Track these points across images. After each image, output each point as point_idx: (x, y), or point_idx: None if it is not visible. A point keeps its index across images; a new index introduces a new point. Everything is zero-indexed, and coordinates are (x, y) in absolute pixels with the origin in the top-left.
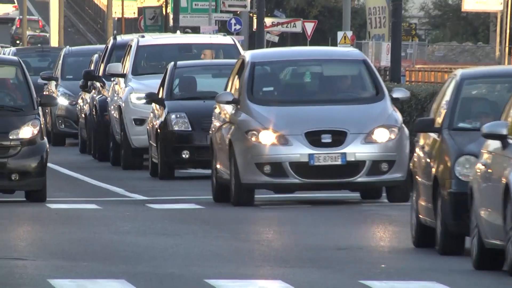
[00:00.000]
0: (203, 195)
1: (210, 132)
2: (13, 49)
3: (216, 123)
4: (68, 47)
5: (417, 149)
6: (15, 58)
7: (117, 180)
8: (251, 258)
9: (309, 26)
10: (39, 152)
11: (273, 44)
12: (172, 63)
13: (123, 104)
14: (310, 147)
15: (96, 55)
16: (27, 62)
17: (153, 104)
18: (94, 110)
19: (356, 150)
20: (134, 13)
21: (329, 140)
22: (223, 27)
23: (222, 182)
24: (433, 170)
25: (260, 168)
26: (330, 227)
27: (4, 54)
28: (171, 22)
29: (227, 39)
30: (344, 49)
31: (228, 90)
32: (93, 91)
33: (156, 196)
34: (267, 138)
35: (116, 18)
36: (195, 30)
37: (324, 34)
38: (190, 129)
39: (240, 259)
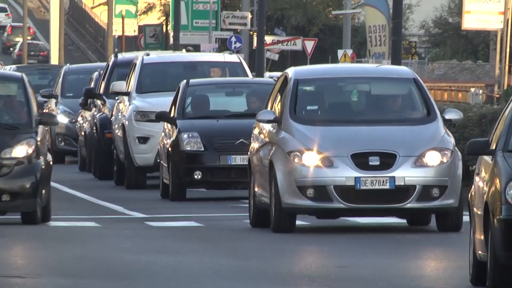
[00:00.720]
0: (204, 213)
1: (249, 153)
2: (13, 66)
3: (255, 144)
4: (68, 65)
5: (475, 178)
6: (19, 74)
7: (118, 198)
8: (250, 277)
9: (309, 44)
10: (33, 172)
11: (273, 62)
12: (185, 81)
13: (127, 122)
14: (357, 170)
15: (96, 73)
16: None
17: (165, 123)
18: (94, 128)
19: (405, 174)
20: (134, 31)
21: (377, 163)
22: (223, 45)
23: (261, 207)
24: (485, 196)
25: (302, 191)
26: (332, 246)
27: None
28: (171, 40)
29: (233, 57)
30: (393, 67)
31: (269, 108)
32: (94, 109)
33: (156, 214)
34: (310, 159)
35: (116, 36)
36: (196, 48)
37: (324, 52)
38: (202, 149)
39: (240, 277)
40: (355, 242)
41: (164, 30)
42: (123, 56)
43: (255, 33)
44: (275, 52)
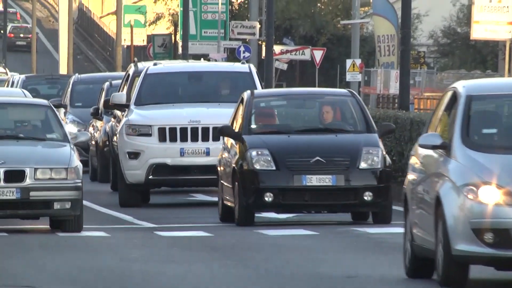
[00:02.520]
0: (212, 222)
1: (404, 186)
2: (22, 76)
3: (412, 175)
4: (77, 74)
5: None
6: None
7: (127, 208)
8: (259, 286)
9: (318, 54)
10: None
11: (282, 72)
12: (249, 91)
13: (118, 136)
14: None
15: (107, 83)
16: (36, 90)
17: (225, 139)
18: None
19: None
20: (143, 40)
21: None
22: (232, 55)
23: (422, 253)
24: None
25: (479, 235)
26: (340, 255)
27: (13, 81)
28: (180, 50)
29: (242, 67)
30: None
31: (431, 130)
32: (113, 120)
33: (164, 224)
34: (489, 195)
35: (125, 46)
36: (204, 58)
37: (332, 61)
38: (274, 168)
39: (248, 287)
40: (364, 252)
41: (173, 39)
42: (143, 65)
43: (263, 43)
44: (283, 62)
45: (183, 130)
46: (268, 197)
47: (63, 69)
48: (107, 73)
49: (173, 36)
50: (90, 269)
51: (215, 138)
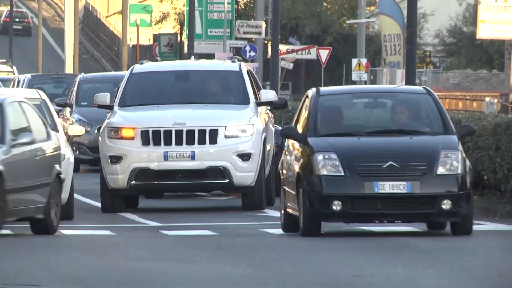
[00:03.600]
0: (218, 221)
1: None
2: (28, 76)
3: None
4: (83, 73)
5: None
6: None
7: (132, 207)
8: (265, 285)
9: (324, 53)
10: None
11: (288, 71)
12: (314, 89)
13: (100, 139)
14: None
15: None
16: (42, 89)
17: (288, 141)
18: None
19: None
20: (149, 39)
21: None
22: (238, 54)
23: None
24: None
25: None
26: (346, 254)
27: (19, 80)
28: (186, 49)
29: (232, 66)
30: None
31: None
32: None
33: (170, 223)
34: None
35: (131, 45)
36: (210, 57)
37: (338, 61)
38: (342, 173)
39: (254, 286)
40: (369, 251)
41: (179, 39)
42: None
43: (269, 42)
44: (289, 61)
45: (167, 133)
46: (336, 206)
47: (69, 68)
48: (113, 73)
49: (179, 35)
50: (95, 268)
51: (201, 141)
